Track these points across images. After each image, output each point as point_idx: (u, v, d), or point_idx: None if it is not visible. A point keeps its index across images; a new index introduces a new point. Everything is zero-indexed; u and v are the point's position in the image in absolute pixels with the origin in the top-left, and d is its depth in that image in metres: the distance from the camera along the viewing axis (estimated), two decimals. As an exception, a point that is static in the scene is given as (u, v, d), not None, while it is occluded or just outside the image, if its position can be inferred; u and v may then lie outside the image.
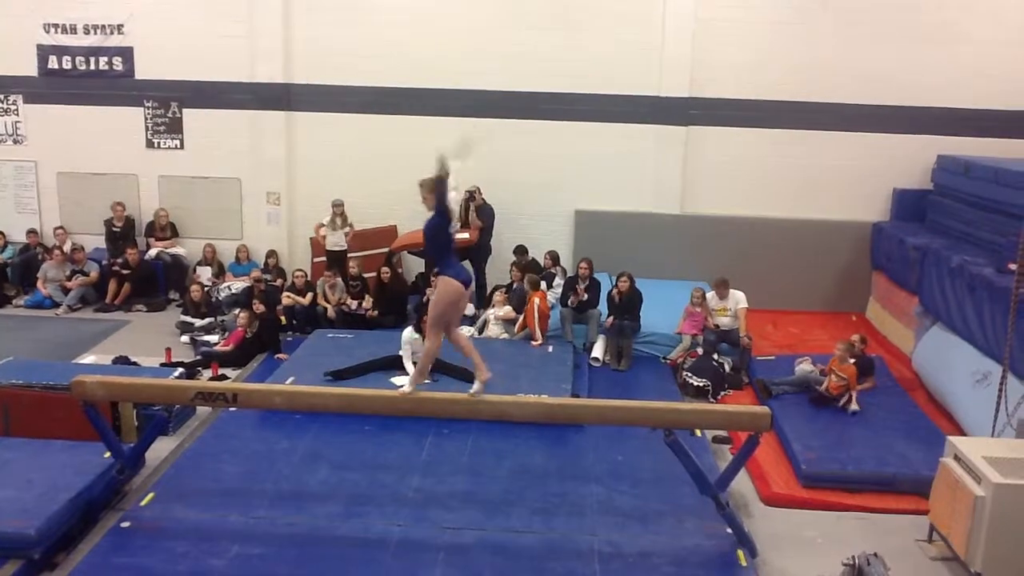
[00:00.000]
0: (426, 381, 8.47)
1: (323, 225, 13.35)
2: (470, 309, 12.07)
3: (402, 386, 7.14)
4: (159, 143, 14.31)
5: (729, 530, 7.13)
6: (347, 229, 13.37)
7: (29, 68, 14.17)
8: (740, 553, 6.94)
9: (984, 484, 6.64)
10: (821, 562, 7.01)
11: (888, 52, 13.10)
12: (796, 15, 13.17)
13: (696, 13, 13.20)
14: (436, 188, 6.73)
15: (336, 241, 13.34)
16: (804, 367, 10.29)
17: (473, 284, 8.06)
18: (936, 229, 12.43)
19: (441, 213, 6.77)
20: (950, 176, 12.44)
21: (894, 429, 9.13)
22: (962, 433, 8.89)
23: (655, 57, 13.36)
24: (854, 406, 9.51)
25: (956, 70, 13.07)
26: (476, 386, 7.00)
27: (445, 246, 6.94)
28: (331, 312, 12.41)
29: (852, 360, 9.80)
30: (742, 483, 8.12)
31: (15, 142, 14.49)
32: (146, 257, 13.95)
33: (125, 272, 13.64)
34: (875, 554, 6.49)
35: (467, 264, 12.39)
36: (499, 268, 13.03)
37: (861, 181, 13.53)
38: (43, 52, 14.11)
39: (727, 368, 10.87)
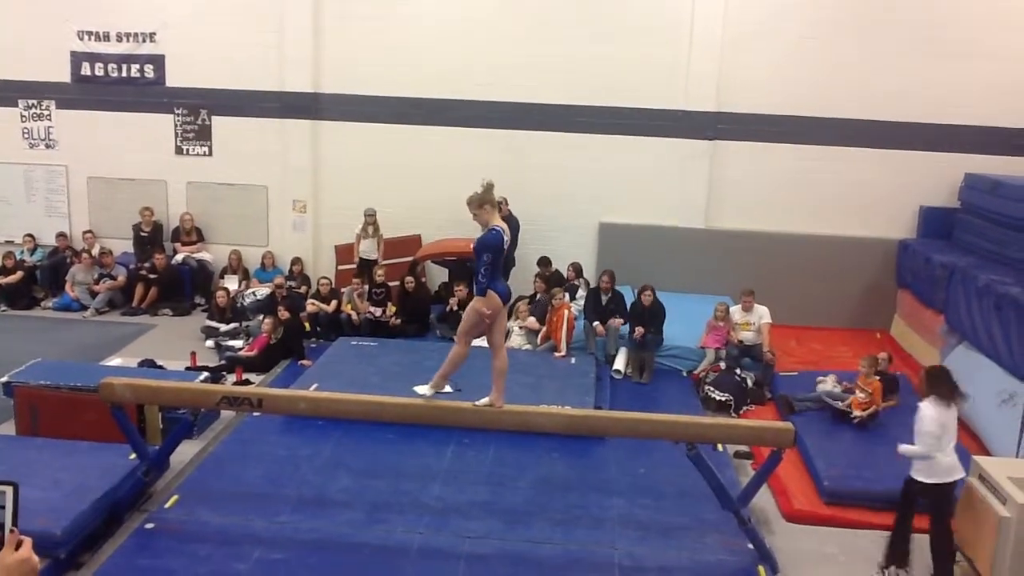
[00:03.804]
0: (448, 390, 8.49)
1: (358, 232, 13.39)
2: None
3: (424, 394, 7.16)
4: (188, 150, 14.47)
5: (750, 545, 7.10)
6: (377, 239, 13.41)
7: (62, 74, 14.38)
8: (761, 569, 6.92)
9: (1009, 505, 6.58)
10: (843, 580, 6.98)
11: (915, 69, 13.05)
12: (823, 31, 13.13)
13: (723, 28, 13.21)
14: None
15: (367, 249, 13.40)
16: (825, 385, 10.25)
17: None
18: (963, 247, 12.34)
19: (497, 231, 6.64)
20: (977, 194, 12.36)
21: (918, 448, 9.05)
22: (987, 453, 8.82)
23: (681, 71, 13.37)
24: (857, 412, 9.50)
25: (984, 88, 12.98)
26: (483, 400, 7.00)
27: (498, 262, 6.70)
28: (356, 319, 12.47)
29: (876, 376, 9.76)
30: (763, 499, 8.07)
31: (47, 147, 14.69)
32: (173, 262, 14.10)
33: (152, 276, 13.79)
34: (905, 569, 6.47)
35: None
36: (523, 279, 13.05)
37: (887, 198, 13.46)
38: (76, 59, 14.31)
39: (749, 383, 10.83)
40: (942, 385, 6.80)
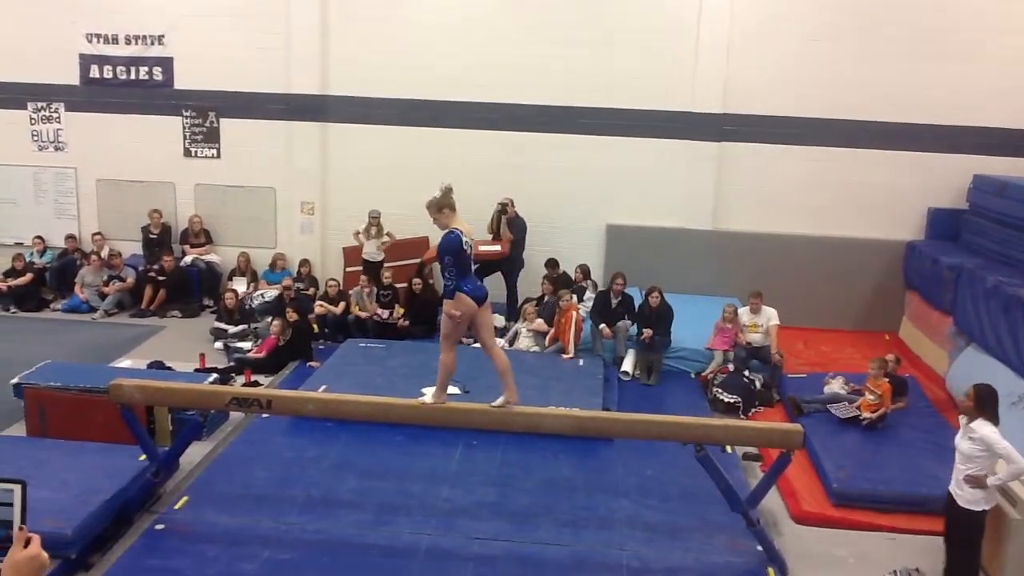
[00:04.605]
0: (456, 392, 8.52)
1: (359, 232, 13.43)
2: (500, 321, 12.08)
3: (427, 402, 7.15)
4: (196, 152, 14.51)
5: (759, 547, 7.09)
6: (384, 239, 13.42)
7: (71, 77, 14.43)
8: (770, 571, 6.91)
9: (1020, 507, 6.57)
10: (851, 582, 6.97)
11: (923, 71, 13.02)
12: (831, 32, 13.11)
13: (730, 30, 13.21)
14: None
15: (371, 251, 13.42)
16: (833, 386, 10.23)
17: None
18: (971, 249, 12.32)
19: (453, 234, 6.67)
20: (985, 196, 12.33)
21: (927, 450, 9.03)
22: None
23: (688, 73, 13.37)
24: (866, 414, 9.48)
25: (991, 89, 12.95)
26: (499, 400, 7.01)
27: (463, 263, 6.74)
28: (365, 316, 12.49)
29: (886, 378, 9.73)
30: (771, 500, 8.04)
31: (56, 149, 14.75)
32: (181, 264, 14.13)
33: (161, 278, 13.82)
34: (917, 569, 6.45)
35: (498, 276, 12.51)
36: (531, 281, 13.05)
37: (895, 199, 13.43)
38: (85, 61, 14.36)
39: (758, 385, 10.82)
40: (993, 406, 6.43)
